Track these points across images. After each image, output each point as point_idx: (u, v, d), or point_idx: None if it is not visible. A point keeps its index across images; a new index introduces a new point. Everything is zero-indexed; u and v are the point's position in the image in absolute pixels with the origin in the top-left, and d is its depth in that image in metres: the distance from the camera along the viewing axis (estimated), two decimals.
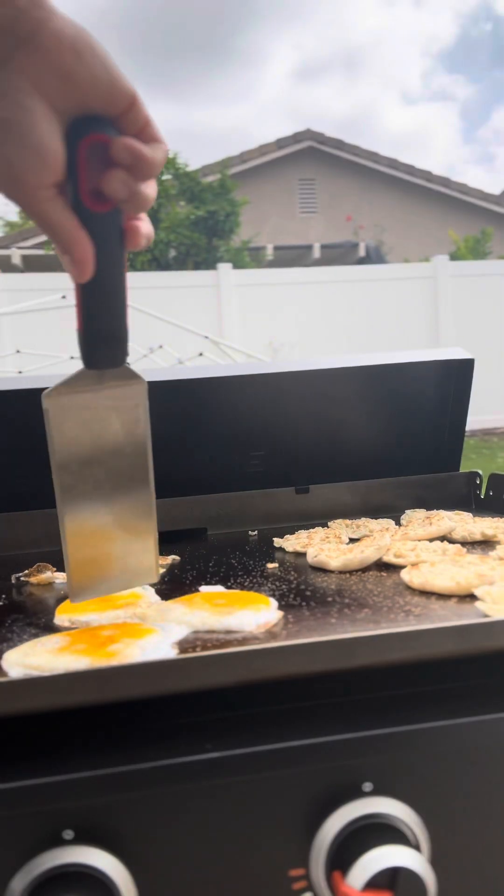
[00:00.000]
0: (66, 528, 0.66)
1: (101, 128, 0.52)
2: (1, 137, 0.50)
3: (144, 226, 0.58)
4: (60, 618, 0.75)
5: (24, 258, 10.47)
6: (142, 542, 0.70)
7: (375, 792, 0.55)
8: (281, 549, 1.02)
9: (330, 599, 0.76)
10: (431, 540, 0.98)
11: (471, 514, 1.12)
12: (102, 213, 0.55)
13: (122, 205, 0.55)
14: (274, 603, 0.73)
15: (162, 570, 0.95)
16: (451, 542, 0.98)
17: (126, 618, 0.72)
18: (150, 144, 0.54)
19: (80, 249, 0.54)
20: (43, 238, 10.58)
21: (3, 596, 0.87)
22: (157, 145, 0.54)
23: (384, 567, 0.88)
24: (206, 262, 9.06)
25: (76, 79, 0.49)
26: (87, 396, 0.63)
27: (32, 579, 0.93)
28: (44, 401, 0.62)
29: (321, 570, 0.89)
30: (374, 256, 11.67)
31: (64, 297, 3.97)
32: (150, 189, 0.55)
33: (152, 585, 0.85)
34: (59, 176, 0.52)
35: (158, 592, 0.83)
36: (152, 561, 0.70)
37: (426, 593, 0.75)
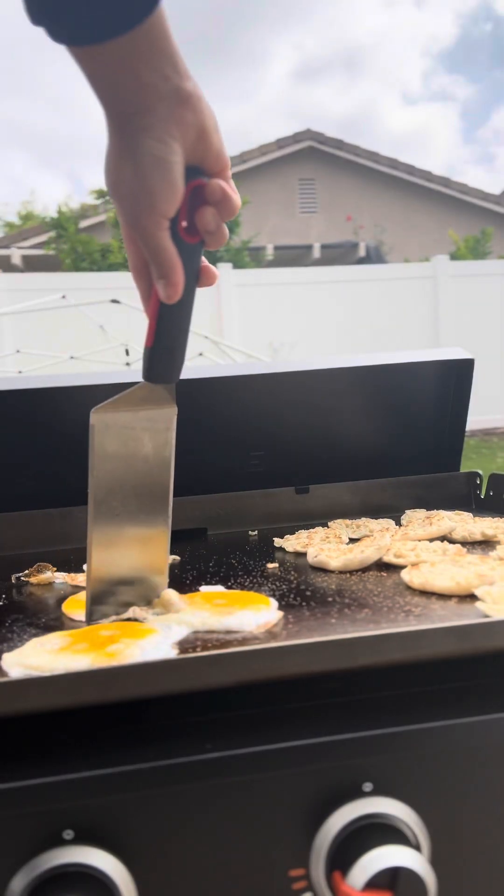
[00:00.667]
0: (93, 543, 0.71)
1: (201, 176, 0.64)
2: (152, 171, 0.60)
3: (214, 269, 0.69)
4: (68, 612, 0.76)
5: (24, 258, 10.47)
6: (156, 560, 0.74)
7: (375, 792, 0.55)
8: (281, 549, 1.02)
9: (330, 599, 0.76)
10: (431, 540, 0.98)
11: (471, 514, 1.12)
12: (192, 244, 0.65)
13: (208, 237, 0.65)
14: (274, 603, 0.73)
15: None
16: (452, 542, 0.98)
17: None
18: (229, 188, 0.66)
19: (178, 273, 0.64)
20: (43, 238, 10.59)
21: (3, 596, 0.87)
22: (236, 196, 0.66)
23: (384, 567, 0.88)
24: None
25: (206, 139, 0.62)
26: (127, 416, 0.69)
27: (32, 579, 0.93)
28: (91, 416, 0.68)
29: (321, 570, 0.89)
30: (374, 256, 11.66)
31: (64, 296, 3.97)
32: (226, 229, 0.66)
33: None
34: (176, 211, 0.63)
35: None
36: (163, 578, 0.75)
37: (426, 593, 0.75)
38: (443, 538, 1.00)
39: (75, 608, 0.76)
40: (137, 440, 0.71)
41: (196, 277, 0.67)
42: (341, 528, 1.09)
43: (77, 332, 5.02)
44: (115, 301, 3.54)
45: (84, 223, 10.67)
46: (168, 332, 0.67)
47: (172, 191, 0.61)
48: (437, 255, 9.28)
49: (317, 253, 11.65)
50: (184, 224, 0.64)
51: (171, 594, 0.73)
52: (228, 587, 0.83)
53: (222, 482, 1.21)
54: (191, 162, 0.63)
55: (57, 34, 0.57)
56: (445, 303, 8.69)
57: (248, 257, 9.82)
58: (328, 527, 1.11)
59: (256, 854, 0.54)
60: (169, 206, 0.62)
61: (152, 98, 0.59)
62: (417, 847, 0.54)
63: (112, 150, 0.62)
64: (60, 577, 0.93)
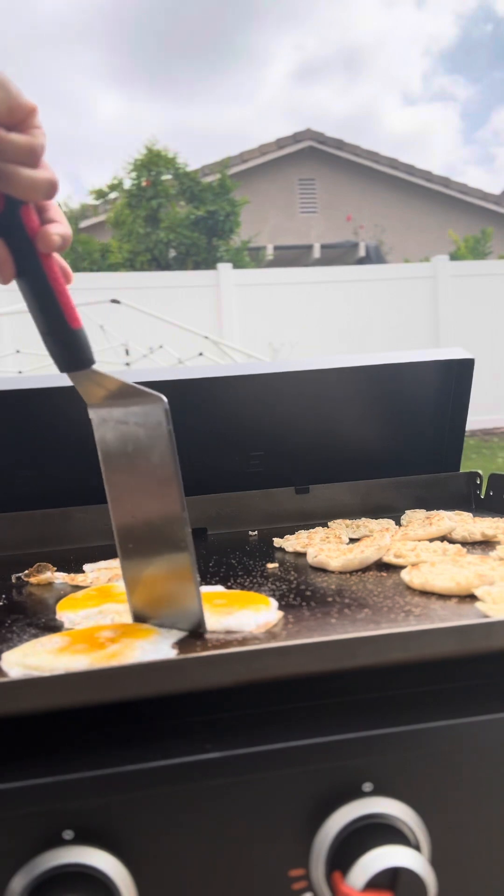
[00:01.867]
0: (119, 549, 0.68)
1: None
2: None
3: (55, 227, 0.59)
4: (61, 614, 0.75)
5: None
6: (183, 581, 0.66)
7: (375, 792, 0.55)
8: (281, 549, 1.02)
9: (330, 599, 0.76)
10: (431, 540, 0.98)
11: (471, 515, 1.12)
12: None
13: (3, 188, 0.56)
14: (274, 603, 0.73)
15: None
16: (452, 542, 0.98)
17: (126, 613, 0.72)
18: (26, 134, 0.56)
19: None
20: None
21: (3, 596, 0.87)
22: (31, 137, 0.56)
23: (384, 567, 0.88)
24: (205, 261, 9.05)
25: None
26: (118, 412, 0.65)
27: (32, 579, 0.93)
28: (89, 411, 0.66)
29: (321, 570, 0.89)
30: (374, 256, 11.67)
31: None
32: (26, 173, 0.56)
33: None
34: None
35: None
36: (196, 604, 0.66)
37: (426, 593, 0.75)
38: (443, 538, 1.00)
39: (68, 608, 0.76)
40: (134, 436, 0.66)
41: (30, 247, 0.58)
42: (341, 528, 1.09)
43: None
44: (114, 301, 3.54)
45: (84, 223, 10.67)
46: (36, 314, 0.60)
47: None
48: (437, 255, 9.28)
49: (317, 253, 11.66)
50: None
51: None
52: (228, 587, 0.83)
53: (222, 482, 1.21)
54: None
55: None
56: (445, 303, 8.69)
57: (248, 257, 9.83)
58: (328, 527, 1.11)
59: (256, 854, 0.54)
60: None
61: None
62: (417, 847, 0.54)
63: None
64: (60, 577, 0.93)
